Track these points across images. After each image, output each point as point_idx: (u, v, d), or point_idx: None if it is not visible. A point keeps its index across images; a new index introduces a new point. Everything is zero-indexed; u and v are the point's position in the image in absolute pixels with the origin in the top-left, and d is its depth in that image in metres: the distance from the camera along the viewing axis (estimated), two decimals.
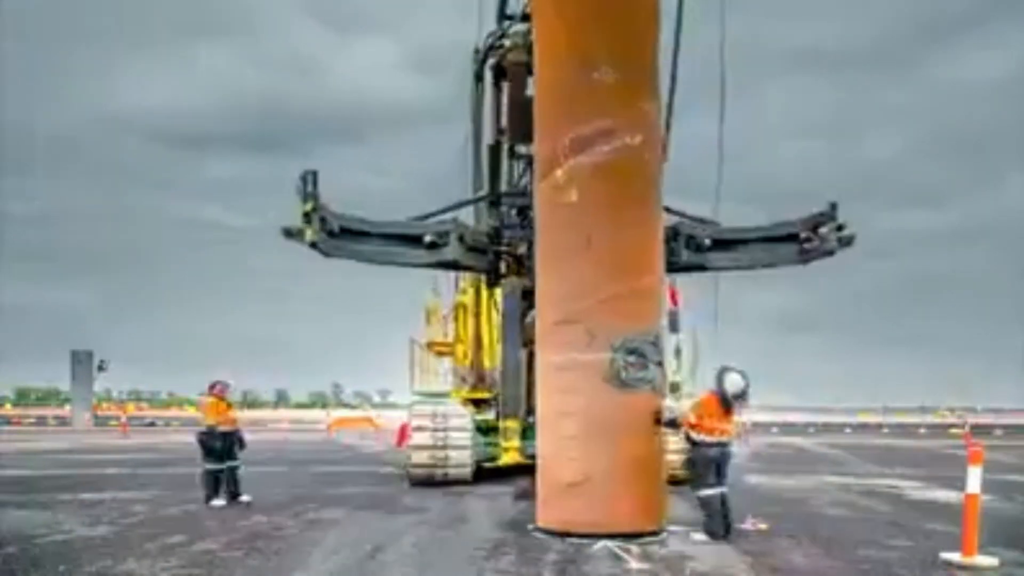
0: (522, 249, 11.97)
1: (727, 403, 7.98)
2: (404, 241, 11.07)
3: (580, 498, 7.73)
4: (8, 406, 66.71)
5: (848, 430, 39.07)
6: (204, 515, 9.17)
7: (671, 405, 8.99)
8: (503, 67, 12.86)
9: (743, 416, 11.17)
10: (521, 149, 13.75)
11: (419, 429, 11.83)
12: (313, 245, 10.19)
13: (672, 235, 10.80)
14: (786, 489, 12.43)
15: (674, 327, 12.97)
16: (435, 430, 11.69)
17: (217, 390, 10.32)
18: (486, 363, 14.10)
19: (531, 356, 10.64)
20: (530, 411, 11.02)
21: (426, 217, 11.55)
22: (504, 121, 13.46)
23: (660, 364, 8.07)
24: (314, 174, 10.10)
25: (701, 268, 11.59)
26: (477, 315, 14.32)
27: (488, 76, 13.32)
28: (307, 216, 10.04)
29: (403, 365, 14.48)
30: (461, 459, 11.73)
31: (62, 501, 10.28)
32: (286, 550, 7.16)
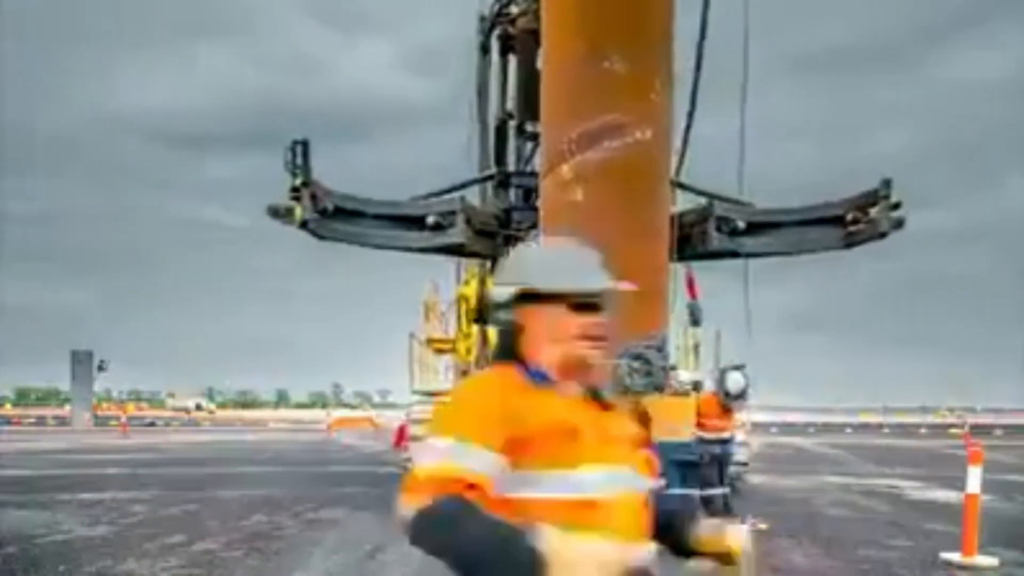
0: (532, 234, 10.73)
1: (728, 402, 7.98)
2: (405, 223, 10.00)
3: None
4: (8, 406, 66.72)
5: (848, 430, 39.07)
6: (204, 515, 9.16)
7: None
8: (511, 36, 12.09)
9: (743, 415, 10.86)
10: (529, 127, 12.98)
11: (418, 439, 11.25)
12: (303, 225, 9.17)
13: (702, 217, 9.91)
14: (786, 489, 12.42)
15: (695, 321, 12.16)
16: None
17: None
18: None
19: None
20: None
21: (429, 197, 10.55)
22: (511, 98, 12.87)
23: (665, 369, 7.96)
24: (305, 144, 9.05)
25: (734, 254, 10.40)
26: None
27: (495, 47, 12.47)
28: (296, 192, 9.07)
29: (402, 365, 14.45)
30: None
31: (62, 501, 10.27)
32: (286, 550, 7.15)
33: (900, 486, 13.06)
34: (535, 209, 10.32)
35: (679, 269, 10.97)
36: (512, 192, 11.81)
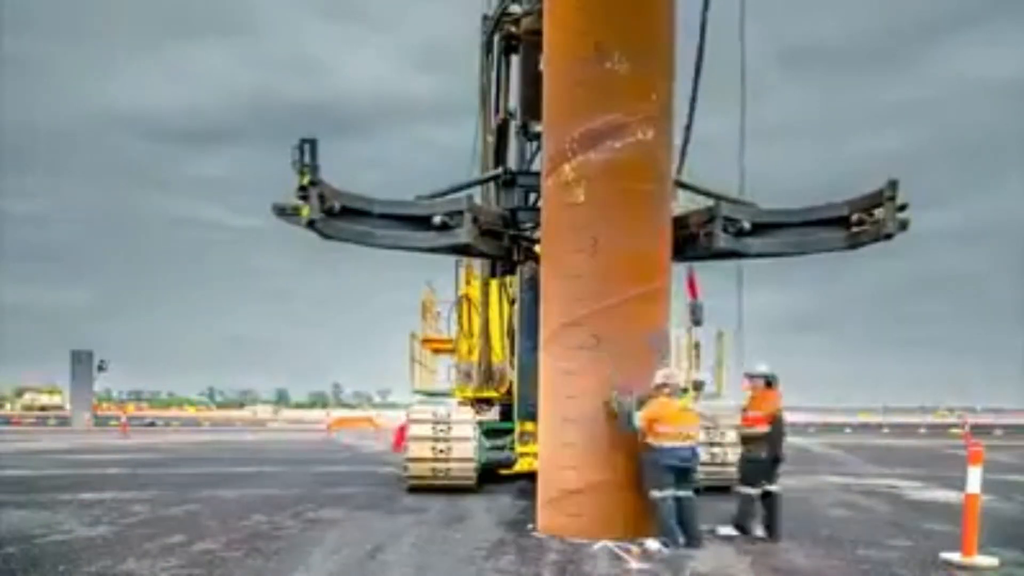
0: (537, 234, 10.83)
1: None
2: (411, 222, 9.90)
3: (580, 506, 7.70)
4: (8, 406, 66.69)
5: (848, 430, 39.07)
6: (204, 515, 9.16)
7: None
8: (514, 36, 12.09)
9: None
10: (534, 127, 13.00)
11: (417, 439, 10.98)
12: (311, 224, 9.13)
13: (709, 217, 9.85)
14: (786, 489, 12.34)
15: (697, 320, 12.18)
16: (436, 439, 10.93)
17: None
18: (494, 359, 13.08)
19: None
20: None
21: (435, 196, 10.46)
22: (513, 97, 12.88)
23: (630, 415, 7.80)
24: (313, 143, 9.02)
25: (739, 255, 10.36)
26: (486, 307, 13.20)
27: (497, 47, 12.41)
28: (304, 191, 9.04)
29: (402, 365, 14.46)
30: (464, 472, 11.03)
31: (62, 501, 10.27)
32: (286, 550, 7.15)
33: (900, 486, 13.07)
34: (540, 209, 10.08)
35: (680, 269, 10.97)
36: (516, 192, 11.78)
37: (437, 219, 9.71)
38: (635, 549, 7.15)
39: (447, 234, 9.75)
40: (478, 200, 11.68)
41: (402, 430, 12.73)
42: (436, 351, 15.55)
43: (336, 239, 9.58)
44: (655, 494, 7.42)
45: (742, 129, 10.46)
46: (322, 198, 9.20)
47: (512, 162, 13.73)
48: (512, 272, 11.99)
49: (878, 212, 9.51)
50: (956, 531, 7.26)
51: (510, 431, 11.78)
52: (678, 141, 10.42)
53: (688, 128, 10.72)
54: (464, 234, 9.68)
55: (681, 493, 7.47)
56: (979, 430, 33.26)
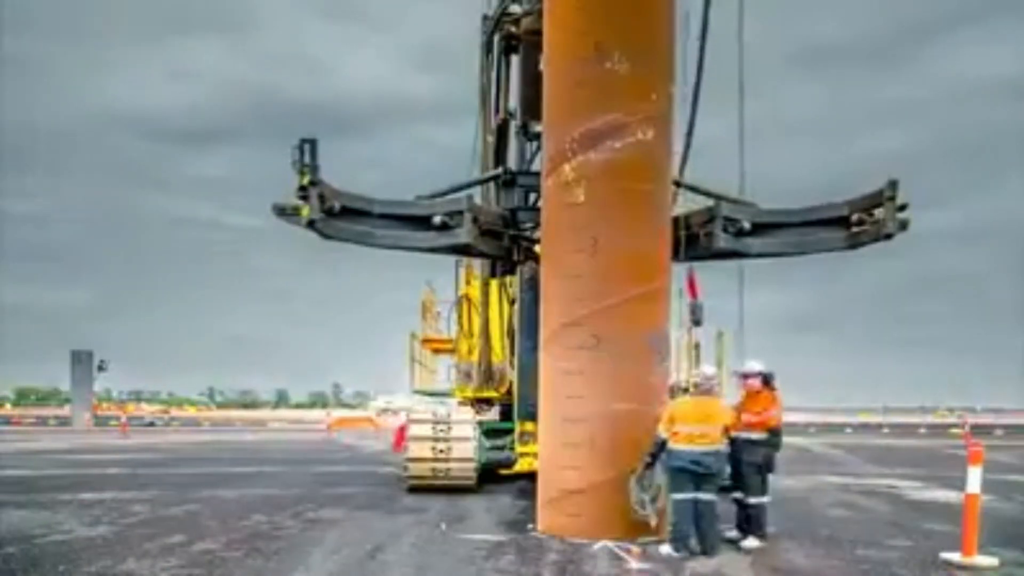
0: (537, 234, 10.81)
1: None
2: (411, 222, 9.92)
3: (581, 506, 7.70)
4: (8, 406, 66.75)
5: (848, 430, 39.08)
6: (204, 515, 9.17)
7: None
8: (514, 36, 12.12)
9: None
10: (534, 127, 13.00)
11: (417, 439, 10.98)
12: (311, 224, 9.15)
13: (709, 218, 9.90)
14: (786, 489, 12.41)
15: (697, 320, 12.15)
16: (436, 439, 10.92)
17: None
18: (494, 359, 13.10)
19: None
20: None
21: (435, 197, 10.47)
22: (513, 97, 12.89)
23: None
24: (313, 143, 9.04)
25: (739, 255, 10.38)
26: (486, 306, 13.19)
27: (497, 47, 12.43)
28: (304, 191, 9.06)
29: (403, 366, 14.46)
30: (464, 472, 11.03)
31: (62, 501, 10.27)
32: (286, 550, 7.15)
33: (900, 486, 13.06)
34: (540, 209, 10.07)
35: (680, 269, 10.98)
36: (516, 192, 11.78)
37: (437, 219, 9.74)
38: (635, 549, 7.15)
39: (447, 234, 9.78)
40: (478, 200, 11.68)
41: (402, 430, 12.73)
42: (436, 351, 15.54)
43: (336, 239, 9.59)
44: (671, 496, 7.26)
45: (741, 129, 10.48)
46: (322, 198, 9.22)
47: (512, 162, 13.73)
48: (512, 272, 12.00)
49: (878, 212, 9.55)
50: (956, 531, 7.26)
51: (510, 431, 11.78)
52: (679, 141, 10.42)
53: (690, 129, 10.72)
54: (464, 234, 9.71)
55: (702, 497, 7.10)
56: (979, 430, 33.27)
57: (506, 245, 11.11)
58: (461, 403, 12.81)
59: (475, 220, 9.91)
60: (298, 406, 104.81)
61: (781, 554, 7.21)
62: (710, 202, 10.24)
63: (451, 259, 13.36)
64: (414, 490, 11.12)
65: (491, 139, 12.70)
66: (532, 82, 11.49)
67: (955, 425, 39.78)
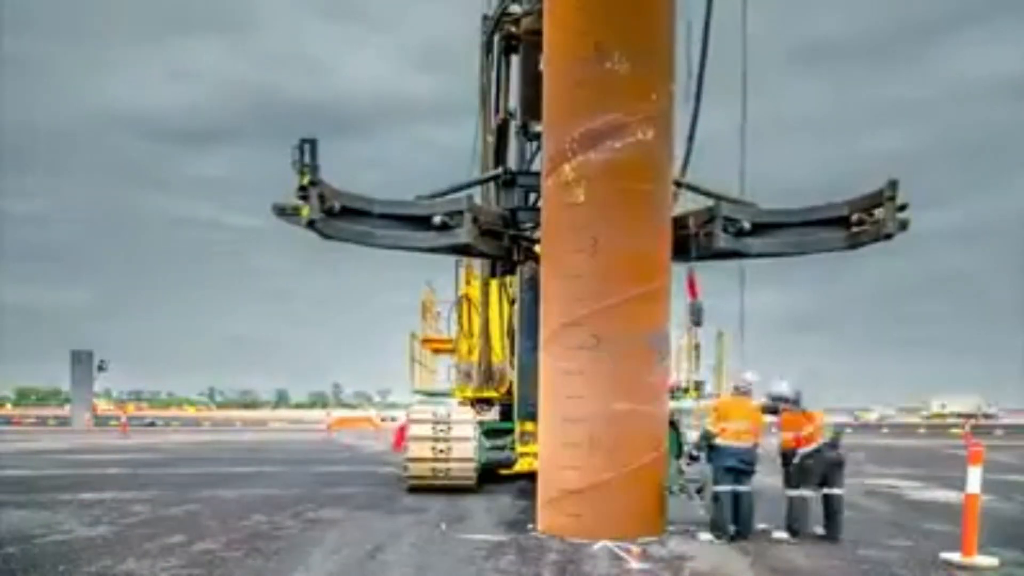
0: (537, 234, 10.81)
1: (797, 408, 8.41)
2: (412, 222, 9.91)
3: (581, 506, 7.70)
4: (8, 406, 66.76)
5: (848, 430, 39.07)
6: (204, 515, 9.16)
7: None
8: (514, 37, 12.12)
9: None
10: (534, 127, 12.98)
11: (417, 439, 11.00)
12: (311, 224, 9.15)
13: (709, 218, 9.92)
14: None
15: (697, 320, 12.36)
16: (436, 439, 10.94)
17: None
18: (494, 359, 13.08)
19: None
20: None
21: (435, 197, 10.46)
22: (513, 97, 12.87)
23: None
24: (313, 143, 9.04)
25: (739, 255, 10.38)
26: (486, 306, 13.17)
27: (497, 47, 12.43)
28: (304, 191, 9.06)
29: (403, 365, 14.43)
30: (464, 472, 11.06)
31: (62, 501, 10.27)
32: (286, 550, 7.15)
33: (900, 486, 13.06)
34: (540, 209, 10.05)
35: (680, 269, 10.96)
36: (516, 192, 11.78)
37: (437, 219, 9.74)
38: (635, 549, 7.15)
39: (447, 234, 9.78)
40: (478, 200, 11.67)
41: (402, 430, 12.72)
42: (436, 351, 15.52)
43: (336, 239, 9.59)
44: (714, 489, 7.85)
45: (743, 130, 10.45)
46: (322, 198, 9.22)
47: (512, 162, 13.72)
48: (512, 272, 11.99)
49: (878, 212, 9.55)
50: (956, 531, 7.26)
51: (510, 431, 11.77)
52: (680, 141, 10.41)
53: (692, 129, 10.72)
54: (464, 234, 9.71)
55: (740, 489, 7.81)
56: (979, 430, 33.27)
57: (506, 245, 11.11)
58: (461, 403, 12.80)
59: (475, 220, 9.91)
60: (298, 406, 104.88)
61: (781, 554, 7.21)
62: (710, 202, 10.25)
63: (451, 259, 13.34)
64: (414, 490, 11.12)
65: (491, 139, 12.71)
66: (532, 82, 11.49)
67: (955, 425, 39.78)
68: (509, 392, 12.21)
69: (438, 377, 15.18)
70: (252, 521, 8.71)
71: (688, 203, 10.75)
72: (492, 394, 12.78)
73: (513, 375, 11.95)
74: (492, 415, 13.18)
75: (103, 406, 54.94)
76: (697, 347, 13.04)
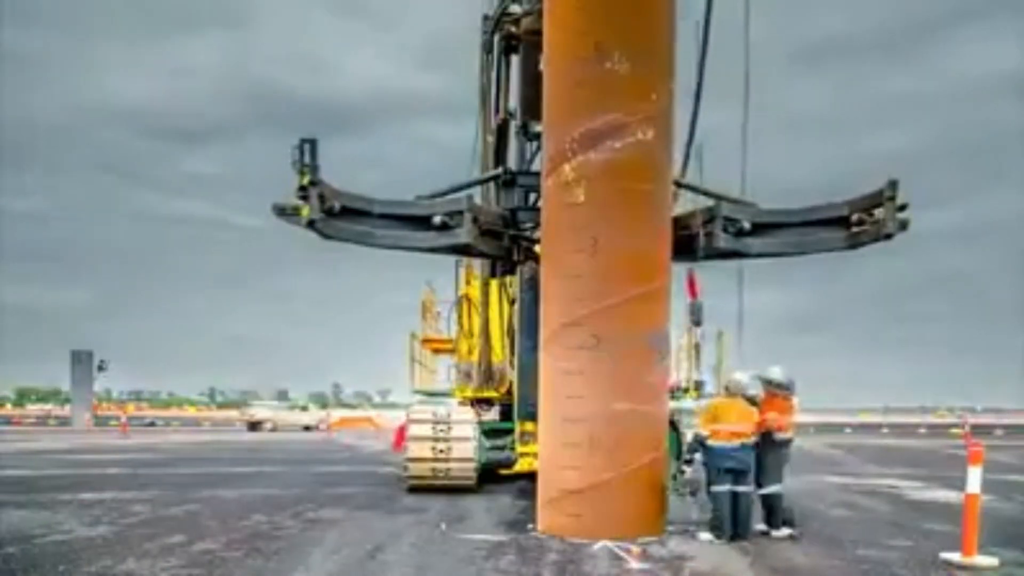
0: (537, 234, 10.81)
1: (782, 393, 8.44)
2: (412, 222, 9.92)
3: (581, 506, 7.69)
4: (8, 406, 66.74)
5: (848, 430, 39.08)
6: (204, 515, 9.16)
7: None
8: (514, 36, 12.12)
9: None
10: (534, 127, 12.99)
11: (417, 439, 11.00)
12: (311, 224, 9.17)
13: (709, 218, 9.92)
14: (785, 489, 12.40)
15: (697, 320, 12.21)
16: (436, 439, 10.94)
17: None
18: (494, 359, 13.09)
19: None
20: None
21: (435, 196, 10.48)
22: (513, 97, 12.88)
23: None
24: (313, 143, 9.09)
25: (739, 255, 10.38)
26: (486, 306, 13.17)
27: (497, 47, 12.42)
28: (304, 191, 9.08)
29: (402, 365, 14.43)
30: (464, 472, 11.05)
31: (62, 501, 10.27)
32: (286, 550, 7.15)
33: (900, 486, 13.06)
34: (540, 209, 10.03)
35: (680, 269, 10.98)
36: (516, 192, 11.78)
37: (437, 219, 9.74)
38: (635, 549, 7.15)
39: (447, 234, 9.78)
40: (478, 200, 11.67)
41: (402, 430, 12.72)
42: (436, 351, 15.53)
43: (336, 239, 9.59)
44: (712, 489, 7.88)
45: (744, 129, 10.44)
46: (322, 198, 9.23)
47: (512, 162, 13.72)
48: (512, 272, 11.99)
49: (878, 212, 9.54)
50: (956, 531, 7.27)
51: (510, 431, 11.77)
52: (680, 141, 10.41)
53: (692, 129, 10.72)
54: (464, 234, 9.70)
55: (739, 489, 7.85)
56: (979, 430, 33.27)
57: (506, 245, 11.10)
58: (461, 403, 12.80)
59: (475, 220, 9.91)
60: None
61: (781, 554, 7.21)
62: (710, 202, 10.25)
63: (451, 259, 13.35)
64: (414, 490, 11.12)
65: (491, 139, 12.70)
66: (532, 82, 11.48)
67: (955, 425, 39.78)
68: (509, 392, 12.20)
69: (438, 377, 15.20)
70: (252, 521, 8.71)
71: (688, 204, 10.75)
72: (492, 394, 12.76)
73: (513, 375, 11.95)
74: (492, 415, 13.18)
75: (109, 408, 54.95)
76: (697, 347, 13.05)
